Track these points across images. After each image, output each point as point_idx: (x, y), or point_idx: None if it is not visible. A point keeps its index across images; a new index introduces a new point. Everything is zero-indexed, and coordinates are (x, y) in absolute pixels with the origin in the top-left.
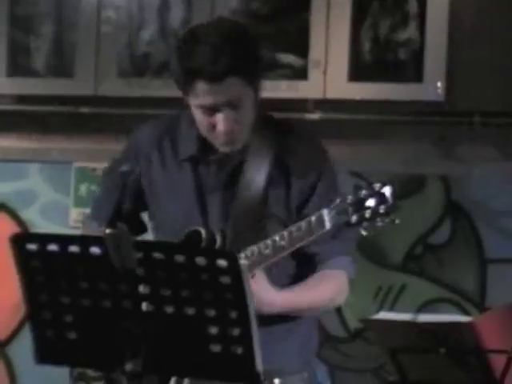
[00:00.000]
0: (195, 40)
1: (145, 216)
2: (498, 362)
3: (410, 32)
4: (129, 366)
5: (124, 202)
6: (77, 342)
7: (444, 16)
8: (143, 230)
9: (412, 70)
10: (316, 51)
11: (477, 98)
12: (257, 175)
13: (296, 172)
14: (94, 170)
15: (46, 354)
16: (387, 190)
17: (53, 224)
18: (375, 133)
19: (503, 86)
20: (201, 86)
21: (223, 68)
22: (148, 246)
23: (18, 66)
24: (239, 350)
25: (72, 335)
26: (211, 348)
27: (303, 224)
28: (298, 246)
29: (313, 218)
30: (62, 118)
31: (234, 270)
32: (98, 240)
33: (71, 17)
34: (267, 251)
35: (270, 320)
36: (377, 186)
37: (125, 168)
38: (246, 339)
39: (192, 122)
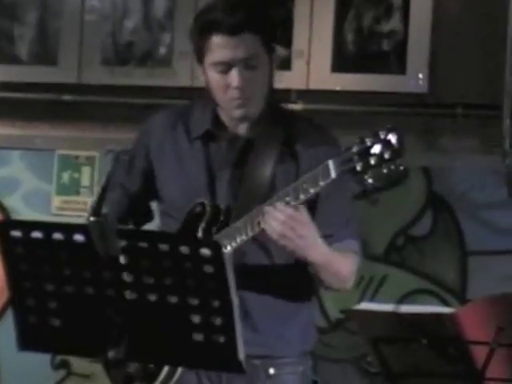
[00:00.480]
0: (213, 1)
1: (153, 205)
2: (480, 353)
3: (393, 23)
4: (111, 354)
5: (132, 186)
6: (60, 328)
7: (428, 8)
8: (150, 217)
9: (395, 62)
10: (299, 42)
11: (459, 90)
12: (266, 155)
13: (304, 152)
14: (76, 157)
15: (29, 341)
16: (392, 137)
17: (35, 211)
18: (358, 124)
19: (486, 78)
20: (217, 39)
21: (240, 20)
22: (132, 234)
23: (2, 54)
24: (221, 339)
25: (55, 322)
26: (194, 336)
27: (308, 176)
28: (303, 198)
29: (318, 169)
30: (45, 106)
31: (218, 260)
32: (81, 227)
33: (55, 5)
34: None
35: (275, 302)
36: (382, 133)
37: (125, 157)
38: (228, 328)
39: (205, 106)
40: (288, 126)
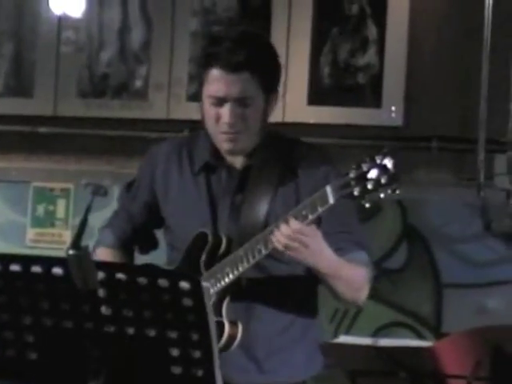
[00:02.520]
0: (220, 34)
1: (158, 232)
2: None
3: (369, 57)
4: None
5: (136, 214)
6: (37, 362)
7: (403, 42)
8: (154, 245)
9: (371, 95)
10: None
11: (434, 124)
12: (265, 182)
13: (303, 174)
14: (52, 189)
15: (6, 374)
16: (388, 161)
17: (9, 243)
18: (333, 156)
19: (461, 111)
20: (215, 73)
21: (240, 59)
22: (110, 267)
23: None
24: (200, 373)
25: (33, 355)
26: (172, 370)
27: (307, 201)
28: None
29: (316, 195)
30: (20, 138)
31: (197, 293)
32: (60, 260)
33: (31, 37)
34: (272, 236)
35: (278, 328)
36: (378, 157)
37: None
38: (206, 362)
39: (207, 137)
40: (287, 152)
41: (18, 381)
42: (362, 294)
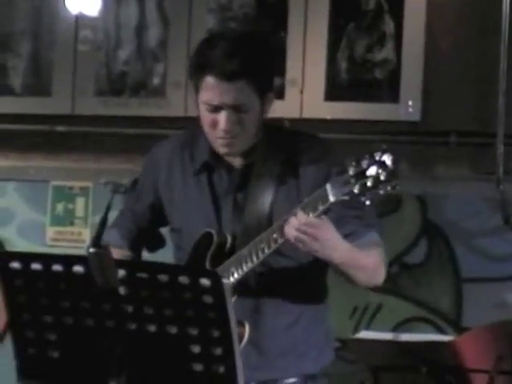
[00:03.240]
0: (215, 38)
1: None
2: (480, 381)
3: (386, 52)
4: None
5: (141, 214)
6: (59, 360)
7: (420, 36)
8: (162, 243)
9: (388, 90)
10: (293, 71)
11: (453, 118)
12: (266, 179)
13: (305, 172)
14: (70, 188)
15: (28, 372)
16: (387, 158)
17: (30, 243)
18: (352, 153)
19: (479, 105)
20: (210, 80)
21: (234, 67)
22: (131, 265)
23: None
24: (221, 369)
25: (55, 354)
26: (193, 367)
27: (307, 200)
28: None
29: (316, 193)
30: (39, 137)
31: (217, 289)
32: (81, 259)
33: (48, 36)
34: (274, 235)
35: (286, 323)
36: (377, 154)
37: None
38: (228, 358)
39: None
40: (287, 146)
41: (40, 379)
42: (379, 277)
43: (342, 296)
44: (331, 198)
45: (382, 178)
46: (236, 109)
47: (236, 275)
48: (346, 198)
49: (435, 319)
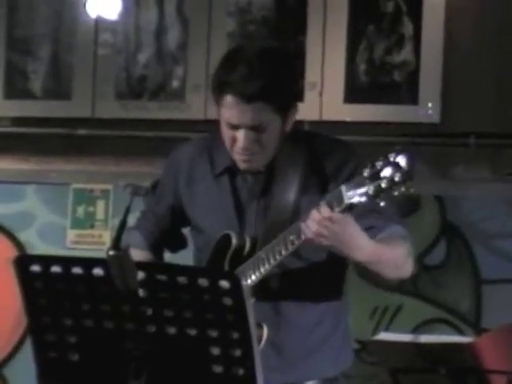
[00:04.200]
0: (237, 56)
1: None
2: (499, 382)
3: (405, 54)
4: None
5: (162, 217)
6: (79, 363)
7: (439, 38)
8: (183, 244)
9: (407, 92)
10: (312, 73)
11: (472, 120)
12: (289, 183)
13: (330, 175)
14: (91, 191)
15: (48, 375)
16: (401, 159)
17: (50, 245)
18: (371, 154)
19: (498, 107)
20: (230, 100)
21: (255, 90)
22: (150, 268)
23: (16, 89)
24: (241, 372)
25: (75, 356)
26: (213, 369)
27: (323, 203)
28: None
29: (331, 195)
30: (59, 140)
31: (237, 291)
32: (101, 261)
33: (68, 39)
34: (291, 237)
35: (307, 326)
36: (391, 155)
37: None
38: (247, 360)
39: None
40: (311, 149)
41: (60, 382)
42: (406, 270)
43: (361, 296)
44: (346, 200)
45: (397, 179)
46: (254, 128)
47: (253, 277)
48: (361, 199)
49: (455, 320)
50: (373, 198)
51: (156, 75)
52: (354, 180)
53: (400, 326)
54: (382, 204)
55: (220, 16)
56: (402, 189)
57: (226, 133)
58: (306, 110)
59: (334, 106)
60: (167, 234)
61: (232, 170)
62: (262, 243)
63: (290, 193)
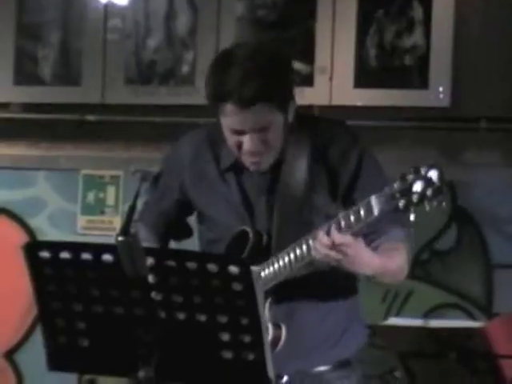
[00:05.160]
0: (228, 62)
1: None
2: (509, 367)
3: (415, 38)
4: (141, 373)
5: (167, 208)
6: (89, 348)
7: (449, 22)
8: (188, 233)
9: (418, 76)
10: (322, 58)
11: (482, 104)
12: (297, 173)
13: (336, 162)
14: (101, 177)
15: (58, 361)
16: (433, 174)
17: (61, 232)
18: (381, 139)
19: (509, 91)
20: (230, 108)
21: (253, 93)
22: (160, 253)
23: (25, 75)
24: (251, 357)
25: (84, 342)
26: (223, 354)
27: (351, 212)
28: (345, 231)
29: (361, 206)
30: (69, 126)
31: (246, 277)
32: (110, 247)
33: (78, 25)
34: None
35: (321, 314)
36: (423, 169)
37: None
38: (257, 346)
39: None
40: (312, 134)
41: (70, 368)
42: (401, 277)
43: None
44: (375, 212)
45: (428, 193)
46: (259, 130)
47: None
48: (390, 212)
49: (466, 305)
50: (402, 212)
51: (165, 60)
52: (383, 192)
53: (411, 311)
54: (411, 218)
55: (229, 1)
56: (434, 203)
57: (231, 138)
58: (316, 95)
59: (344, 90)
60: (172, 225)
61: (238, 166)
62: (276, 239)
63: (298, 186)
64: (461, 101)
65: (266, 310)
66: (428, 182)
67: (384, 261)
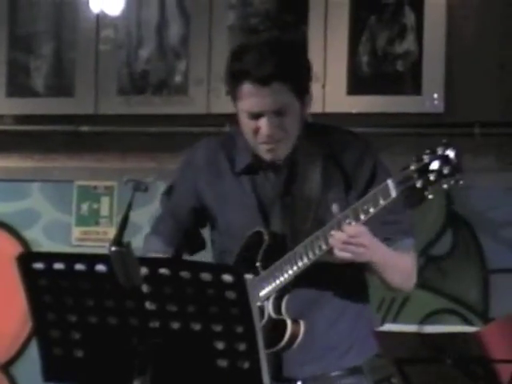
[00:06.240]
0: (245, 47)
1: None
2: (505, 371)
3: (407, 44)
4: (137, 383)
5: (181, 219)
6: (84, 359)
7: (441, 28)
8: (202, 246)
9: (410, 82)
10: (314, 65)
11: (476, 109)
12: (311, 176)
13: (351, 166)
14: (95, 188)
15: (53, 372)
16: (450, 152)
17: (55, 243)
18: (375, 145)
19: (502, 96)
20: (247, 88)
21: (269, 71)
22: (153, 263)
23: (18, 86)
24: (246, 365)
25: (79, 353)
26: (218, 363)
27: (368, 196)
28: (363, 219)
29: (378, 189)
30: (62, 137)
31: (239, 285)
32: (103, 258)
33: (70, 36)
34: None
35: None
36: (440, 149)
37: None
38: (252, 354)
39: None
40: (325, 139)
41: (65, 379)
42: (412, 282)
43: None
44: (393, 193)
45: (445, 171)
46: (276, 113)
47: (291, 272)
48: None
49: (462, 311)
50: (420, 190)
51: (158, 70)
52: (401, 173)
53: (407, 318)
54: (429, 197)
55: (221, 9)
56: (452, 182)
57: (248, 125)
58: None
59: (337, 97)
60: (189, 236)
61: (253, 168)
62: (292, 240)
63: (313, 189)
64: (454, 106)
65: (283, 306)
66: (445, 160)
67: (392, 253)
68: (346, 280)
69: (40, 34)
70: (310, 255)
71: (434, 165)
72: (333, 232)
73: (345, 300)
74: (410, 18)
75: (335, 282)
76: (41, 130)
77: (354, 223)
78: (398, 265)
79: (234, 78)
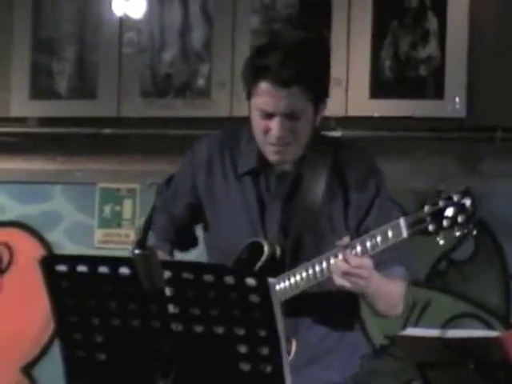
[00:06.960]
0: (270, 43)
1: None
2: None
3: (430, 49)
4: None
5: (177, 214)
6: (107, 362)
7: (464, 32)
8: (194, 243)
9: (433, 87)
10: (337, 69)
11: (498, 114)
12: (315, 188)
13: (353, 185)
14: (118, 190)
15: (76, 375)
16: (467, 200)
17: (78, 245)
18: (397, 150)
19: None
20: (265, 86)
21: (290, 74)
22: (177, 266)
23: (41, 89)
24: (268, 369)
25: (102, 356)
26: (241, 367)
27: (378, 233)
28: (370, 252)
29: (389, 227)
30: (85, 140)
31: (263, 289)
32: (127, 260)
33: (93, 39)
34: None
35: (316, 338)
36: (456, 196)
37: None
38: (275, 358)
39: (251, 139)
40: (332, 153)
41: (88, 382)
42: (399, 309)
43: None
44: (404, 234)
45: (460, 220)
46: (289, 116)
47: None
48: (418, 233)
49: (484, 315)
50: (431, 235)
51: (181, 73)
52: (414, 215)
53: (429, 322)
54: (440, 242)
55: (244, 13)
56: (464, 230)
57: (259, 123)
58: (332, 106)
59: (359, 101)
60: (182, 233)
61: (256, 172)
62: (289, 253)
63: (315, 201)
64: (476, 111)
65: None
66: (461, 208)
67: (384, 280)
68: (332, 305)
69: (63, 37)
70: (311, 277)
71: (449, 211)
72: (336, 260)
73: (330, 323)
74: (432, 22)
75: (321, 306)
76: (64, 132)
77: (359, 254)
78: (388, 293)
79: (254, 74)
